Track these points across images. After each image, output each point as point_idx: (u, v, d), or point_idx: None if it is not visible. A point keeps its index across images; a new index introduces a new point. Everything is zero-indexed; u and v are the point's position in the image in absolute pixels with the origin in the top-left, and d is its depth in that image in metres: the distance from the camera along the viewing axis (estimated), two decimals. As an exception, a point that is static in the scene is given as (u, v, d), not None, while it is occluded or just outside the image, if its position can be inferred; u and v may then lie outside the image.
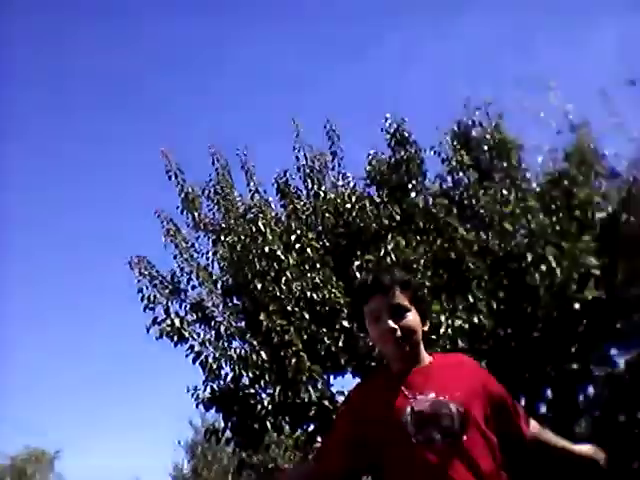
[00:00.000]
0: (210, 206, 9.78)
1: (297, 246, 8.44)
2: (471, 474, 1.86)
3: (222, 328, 8.13)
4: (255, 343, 7.64)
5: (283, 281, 8.08)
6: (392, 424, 1.93)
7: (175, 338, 7.99)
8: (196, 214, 9.75)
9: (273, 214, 9.32)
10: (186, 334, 8.00)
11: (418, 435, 1.90)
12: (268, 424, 7.09)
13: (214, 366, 7.63)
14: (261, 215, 8.95)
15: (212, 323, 8.32)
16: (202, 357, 7.76)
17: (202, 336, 8.08)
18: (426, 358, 2.14)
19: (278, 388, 7.09)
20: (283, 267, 8.20)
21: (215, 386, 7.71)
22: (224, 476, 22.81)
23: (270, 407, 7.15)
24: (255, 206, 9.32)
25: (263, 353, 7.44)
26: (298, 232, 8.54)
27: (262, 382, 7.34)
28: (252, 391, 7.50)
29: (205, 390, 7.75)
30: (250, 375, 7.39)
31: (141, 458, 43.49)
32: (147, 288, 8.41)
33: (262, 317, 7.63)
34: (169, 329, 8.00)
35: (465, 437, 1.90)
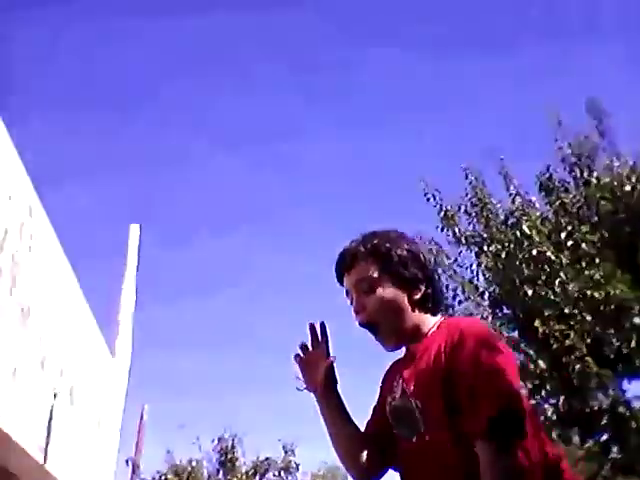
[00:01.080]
0: (469, 219, 9.51)
1: (569, 243, 7.71)
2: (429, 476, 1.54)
3: (495, 340, 7.69)
4: (531, 352, 7.06)
5: (557, 283, 7.43)
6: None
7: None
8: (456, 229, 9.55)
9: (538, 214, 8.66)
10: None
11: (394, 429, 1.66)
12: (554, 435, 6.43)
13: (491, 379, 7.21)
14: (525, 218, 8.43)
15: (484, 336, 7.93)
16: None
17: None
18: (422, 333, 1.65)
19: (562, 397, 6.42)
20: (555, 268, 7.55)
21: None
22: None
23: (555, 417, 6.49)
24: (517, 210, 8.80)
25: (541, 362, 6.84)
26: (569, 228, 7.82)
27: (543, 392, 6.72)
28: (533, 402, 6.90)
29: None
30: (529, 385, 6.82)
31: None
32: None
33: (537, 324, 7.07)
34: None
35: (427, 436, 1.53)
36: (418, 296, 1.66)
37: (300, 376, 1.81)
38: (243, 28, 28.56)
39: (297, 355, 1.82)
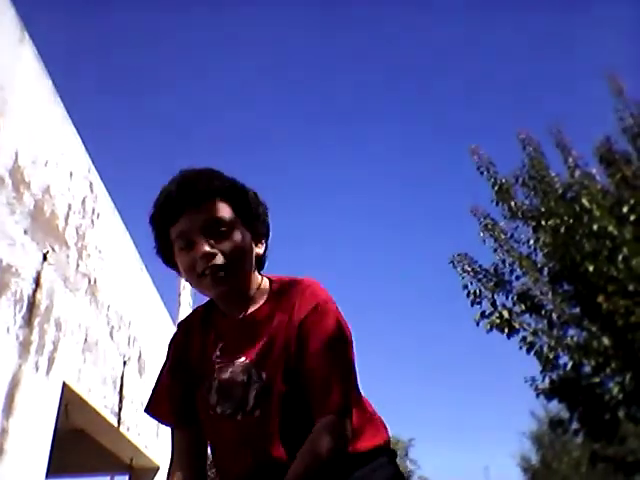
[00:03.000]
0: (526, 193, 9.30)
1: (632, 218, 7.48)
2: (260, 455, 1.39)
3: (554, 316, 7.60)
4: (594, 329, 6.93)
5: (620, 259, 7.23)
6: (199, 387, 1.48)
7: (506, 330, 7.73)
8: (512, 203, 9.35)
9: (599, 187, 8.42)
10: (516, 325, 7.69)
11: (218, 406, 1.43)
12: (620, 414, 6.33)
13: (550, 356, 7.16)
14: (584, 191, 8.20)
15: (542, 312, 7.84)
16: (536, 347, 7.34)
17: (533, 326, 7.64)
18: (259, 296, 1.48)
19: (628, 376, 6.30)
20: (617, 243, 7.36)
21: (554, 376, 7.21)
22: (576, 468, 21.12)
23: (621, 396, 6.37)
24: (576, 183, 8.57)
25: (605, 339, 6.71)
26: (631, 202, 7.58)
27: (607, 370, 6.60)
28: (597, 380, 6.80)
29: (544, 380, 7.32)
30: (592, 363, 6.71)
31: (488, 448, 43.51)
32: (471, 284, 8.34)
33: (600, 300, 6.91)
34: (498, 321, 7.79)
35: (257, 412, 1.39)
36: (261, 251, 1.51)
37: None
38: None
39: None
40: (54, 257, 4.26)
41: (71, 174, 4.67)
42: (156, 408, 1.55)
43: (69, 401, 4.57)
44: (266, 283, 1.50)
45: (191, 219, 1.42)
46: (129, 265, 6.26)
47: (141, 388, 6.07)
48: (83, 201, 4.94)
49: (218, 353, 1.45)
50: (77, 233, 4.77)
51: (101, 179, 5.35)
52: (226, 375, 1.42)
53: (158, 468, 6.91)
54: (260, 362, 1.40)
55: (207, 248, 1.39)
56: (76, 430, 5.52)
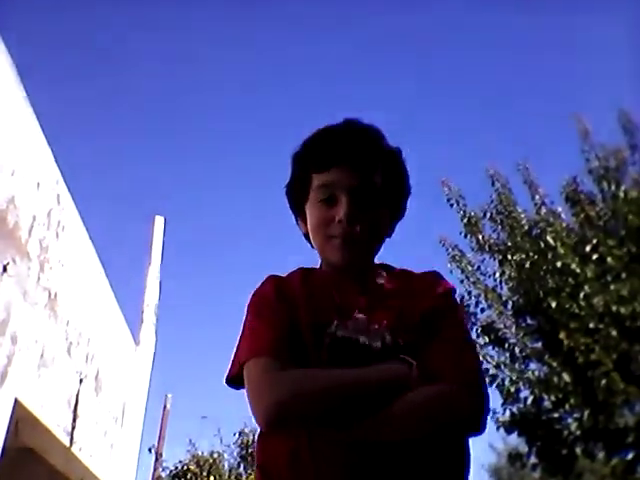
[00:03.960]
0: (493, 227, 9.45)
1: (594, 257, 7.64)
2: None
3: (517, 350, 7.67)
4: (555, 364, 7.00)
5: (581, 296, 7.37)
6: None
7: (468, 362, 7.75)
8: (480, 237, 9.48)
9: (563, 225, 8.60)
10: (479, 357, 7.71)
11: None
12: (578, 450, 6.39)
13: (511, 389, 7.21)
14: (549, 228, 8.37)
15: (505, 345, 7.91)
16: (498, 380, 7.38)
17: (496, 359, 7.69)
18: (377, 276, 1.34)
19: (586, 412, 6.37)
20: (580, 281, 7.49)
21: (515, 409, 7.26)
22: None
23: (579, 432, 6.44)
24: (542, 220, 8.74)
25: (565, 375, 6.78)
26: (594, 241, 7.75)
27: (567, 405, 6.67)
28: (556, 415, 6.86)
29: (504, 413, 7.34)
30: (552, 398, 6.77)
31: None
32: (437, 314, 8.39)
33: (562, 336, 7.01)
34: (461, 353, 7.82)
35: None
36: (390, 237, 1.37)
37: None
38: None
39: None
40: (14, 269, 4.15)
41: (38, 185, 4.59)
42: (282, 352, 1.20)
43: (20, 418, 4.42)
44: (379, 268, 1.37)
45: (345, 175, 1.26)
46: (92, 281, 6.14)
47: (96, 407, 5.92)
48: (49, 213, 4.84)
49: (339, 318, 1.24)
50: (40, 245, 4.66)
51: (69, 191, 5.26)
52: (355, 336, 1.22)
53: (109, 491, 6.71)
54: (396, 329, 1.22)
55: (353, 215, 1.25)
56: (26, 449, 5.34)
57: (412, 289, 1.30)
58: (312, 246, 1.37)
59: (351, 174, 1.26)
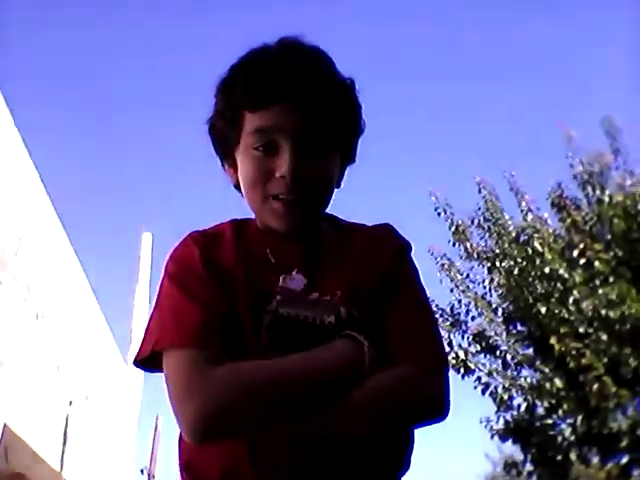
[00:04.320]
0: (481, 234, 9.48)
1: (582, 261, 7.69)
2: None
3: (508, 357, 7.68)
4: (547, 370, 7.02)
5: (571, 301, 7.40)
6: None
7: (462, 370, 7.76)
8: (468, 244, 9.50)
9: (550, 231, 8.65)
10: (472, 365, 7.72)
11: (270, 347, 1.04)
12: (572, 456, 6.39)
13: (504, 397, 7.21)
14: (536, 235, 8.42)
15: (497, 353, 7.92)
16: (491, 388, 7.38)
17: (488, 366, 7.70)
18: (324, 231, 1.16)
19: (580, 417, 6.37)
20: (568, 286, 7.53)
21: (508, 417, 7.26)
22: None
23: (573, 438, 6.44)
24: (529, 226, 8.78)
25: (557, 380, 6.79)
26: (581, 246, 7.79)
27: (560, 411, 6.67)
28: (550, 421, 6.86)
29: (498, 421, 7.34)
30: (545, 404, 6.78)
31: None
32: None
33: (553, 341, 7.01)
34: (454, 362, 7.81)
35: None
36: (339, 187, 1.15)
37: None
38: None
39: None
40: (0, 291, 4.11)
41: (26, 207, 4.56)
42: (213, 340, 0.99)
43: (9, 444, 4.36)
44: (325, 222, 1.17)
45: (288, 115, 1.01)
46: (80, 301, 6.09)
47: (87, 429, 5.85)
48: (36, 235, 4.81)
49: (282, 283, 1.06)
50: (27, 267, 4.63)
51: (57, 213, 5.23)
52: (301, 313, 1.04)
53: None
54: (351, 300, 1.05)
55: (300, 170, 1.02)
56: (16, 475, 5.25)
57: (365, 249, 1.12)
58: (243, 197, 1.13)
59: (295, 114, 1.01)
